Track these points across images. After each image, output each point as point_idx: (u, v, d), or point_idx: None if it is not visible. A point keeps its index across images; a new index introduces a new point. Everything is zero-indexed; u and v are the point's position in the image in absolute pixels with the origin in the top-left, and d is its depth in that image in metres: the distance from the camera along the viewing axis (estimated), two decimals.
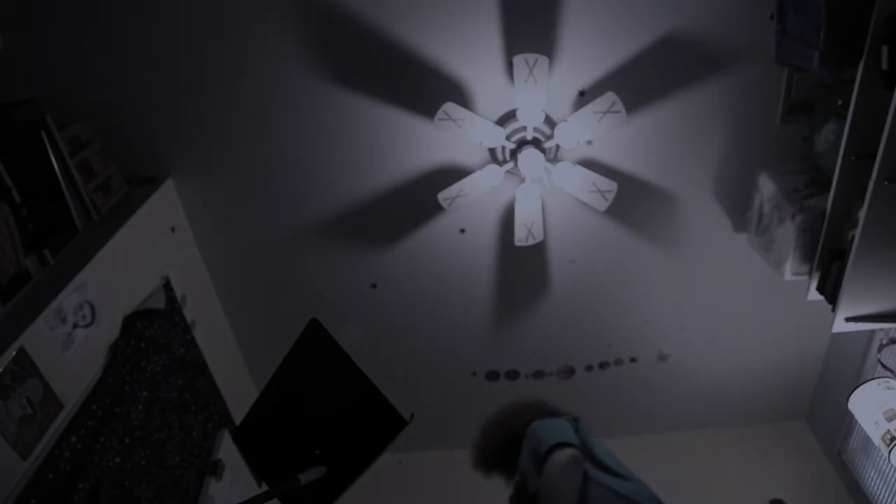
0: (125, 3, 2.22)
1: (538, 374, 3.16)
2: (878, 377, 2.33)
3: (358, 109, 2.42)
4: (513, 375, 3.17)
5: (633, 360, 3.10)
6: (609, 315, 2.96)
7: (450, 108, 2.24)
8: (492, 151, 2.50)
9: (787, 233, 2.18)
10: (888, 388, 2.25)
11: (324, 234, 2.73)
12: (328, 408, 1.50)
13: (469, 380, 3.18)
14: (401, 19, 2.24)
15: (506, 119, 2.43)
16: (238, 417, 2.24)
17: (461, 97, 2.36)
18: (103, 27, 2.27)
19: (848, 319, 2.00)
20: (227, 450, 2.57)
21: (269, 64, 2.33)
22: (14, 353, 1.65)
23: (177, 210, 2.62)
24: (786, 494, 2.87)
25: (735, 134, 2.45)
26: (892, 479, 2.47)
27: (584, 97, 2.37)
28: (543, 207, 2.56)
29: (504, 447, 1.73)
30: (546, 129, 2.42)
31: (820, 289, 2.13)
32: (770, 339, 3.00)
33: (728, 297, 2.88)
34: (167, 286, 2.41)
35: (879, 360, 2.38)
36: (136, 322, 2.17)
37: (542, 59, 2.12)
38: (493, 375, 3.17)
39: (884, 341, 2.39)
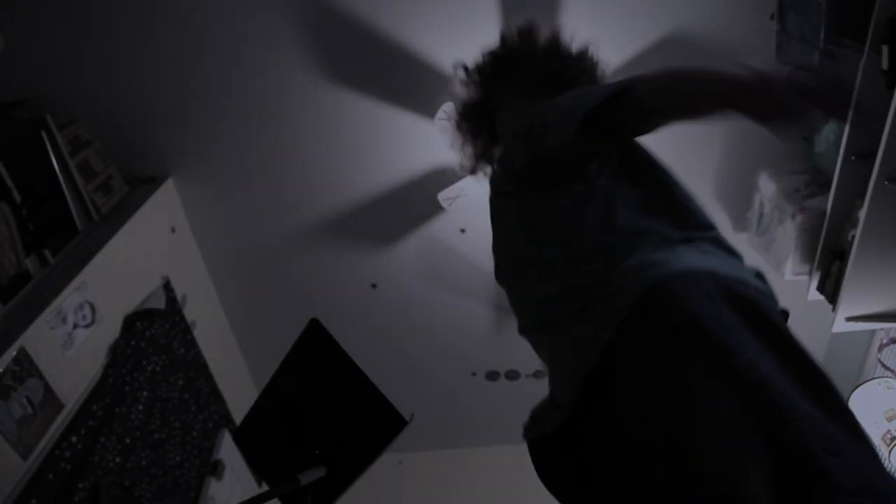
0: (125, 3, 2.23)
1: (538, 374, 3.16)
2: (878, 377, 2.33)
3: (358, 109, 2.41)
4: (513, 375, 3.17)
5: None
6: None
7: (450, 108, 2.24)
8: None
9: (787, 233, 2.18)
10: (888, 388, 2.25)
11: (324, 234, 2.73)
12: (328, 408, 1.51)
13: (469, 380, 3.18)
14: (401, 19, 2.24)
15: None
16: (238, 417, 2.24)
17: None
18: (104, 27, 2.26)
19: (848, 319, 2.00)
20: (227, 450, 2.57)
21: (268, 64, 2.33)
22: (14, 353, 1.65)
23: (177, 210, 2.62)
24: None
25: (735, 134, 2.45)
26: None
27: None
28: None
29: None
30: None
31: (820, 289, 2.13)
32: None
33: None
34: (167, 286, 2.41)
35: (879, 360, 2.38)
36: (136, 322, 2.17)
37: None
38: (493, 375, 3.17)
39: (884, 341, 2.39)
